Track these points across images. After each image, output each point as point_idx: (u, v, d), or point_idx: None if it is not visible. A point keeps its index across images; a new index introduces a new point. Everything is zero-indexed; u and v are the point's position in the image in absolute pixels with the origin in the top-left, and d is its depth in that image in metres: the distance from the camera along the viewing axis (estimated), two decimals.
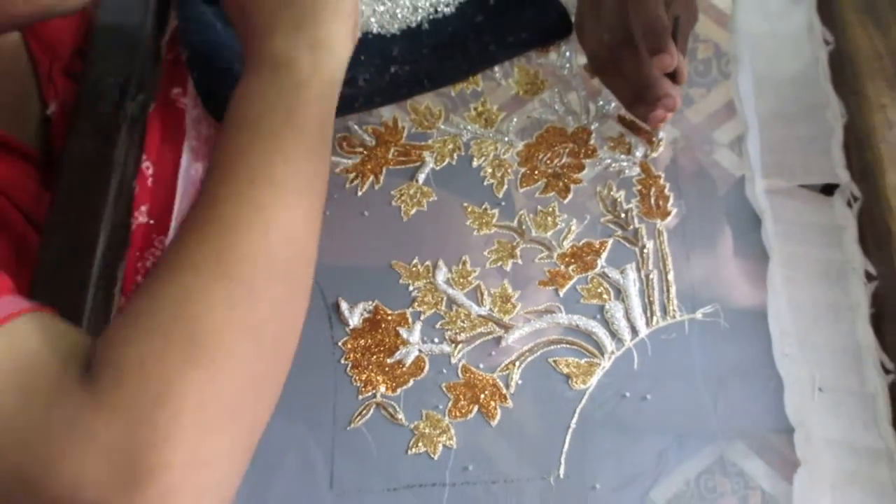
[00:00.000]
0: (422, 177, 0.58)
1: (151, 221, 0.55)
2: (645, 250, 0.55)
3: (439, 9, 0.64)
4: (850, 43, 0.57)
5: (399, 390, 0.51)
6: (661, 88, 0.54)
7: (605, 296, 0.54)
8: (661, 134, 0.59)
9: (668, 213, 0.56)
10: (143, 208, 0.55)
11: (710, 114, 0.60)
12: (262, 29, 0.45)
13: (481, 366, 0.52)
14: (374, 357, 0.52)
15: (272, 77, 0.44)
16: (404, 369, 0.52)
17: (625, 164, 0.58)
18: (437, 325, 0.53)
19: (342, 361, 0.52)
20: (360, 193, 0.58)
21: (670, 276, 0.54)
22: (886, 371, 0.50)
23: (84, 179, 0.52)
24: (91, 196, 0.52)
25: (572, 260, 0.55)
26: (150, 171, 0.57)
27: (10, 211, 0.54)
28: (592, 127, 0.60)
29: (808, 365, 0.51)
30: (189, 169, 0.57)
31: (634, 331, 0.53)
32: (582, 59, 0.62)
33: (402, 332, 0.53)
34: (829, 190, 0.56)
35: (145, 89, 0.57)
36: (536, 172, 0.58)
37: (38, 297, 0.48)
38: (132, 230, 0.54)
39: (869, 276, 0.52)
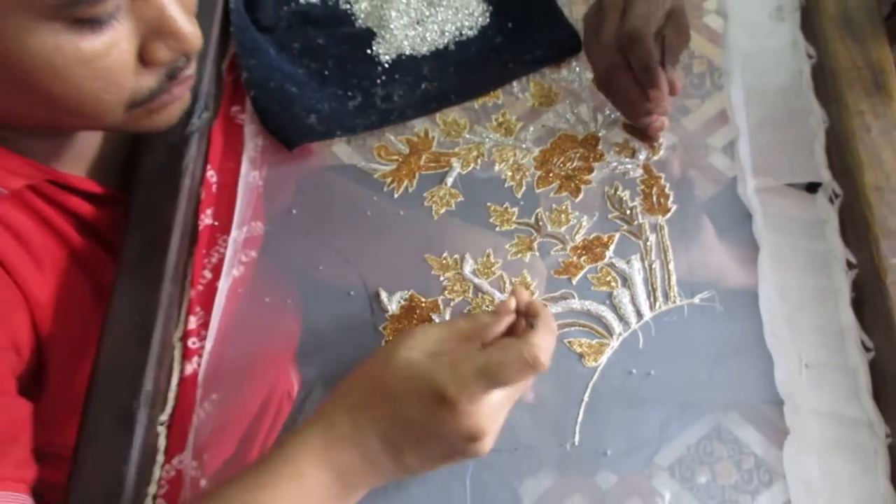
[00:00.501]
0: (450, 180, 0.59)
1: (216, 223, 0.57)
2: (648, 243, 0.56)
3: (463, 32, 0.65)
4: (831, 56, 0.57)
5: None
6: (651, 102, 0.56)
7: (613, 283, 0.54)
8: (662, 140, 0.60)
9: (669, 210, 0.57)
10: (209, 211, 0.57)
11: (704, 122, 0.61)
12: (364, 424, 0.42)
13: None
14: None
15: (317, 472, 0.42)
16: None
17: (629, 166, 0.59)
18: (465, 311, 0.54)
19: (383, 344, 0.53)
20: (396, 196, 0.58)
21: (671, 266, 0.55)
22: (866, 349, 0.50)
23: (158, 187, 0.54)
24: (165, 201, 0.53)
25: (584, 252, 0.56)
26: (214, 179, 0.58)
27: (96, 252, 0.55)
28: (600, 134, 0.60)
29: (795, 344, 0.51)
30: (248, 176, 0.59)
31: (639, 314, 0.53)
32: (590, 75, 0.62)
33: (435, 317, 0.54)
34: (812, 188, 0.56)
35: (209, 107, 0.58)
36: (551, 175, 0.59)
37: (122, 289, 0.50)
38: (199, 230, 0.55)
39: (849, 265, 0.53)
